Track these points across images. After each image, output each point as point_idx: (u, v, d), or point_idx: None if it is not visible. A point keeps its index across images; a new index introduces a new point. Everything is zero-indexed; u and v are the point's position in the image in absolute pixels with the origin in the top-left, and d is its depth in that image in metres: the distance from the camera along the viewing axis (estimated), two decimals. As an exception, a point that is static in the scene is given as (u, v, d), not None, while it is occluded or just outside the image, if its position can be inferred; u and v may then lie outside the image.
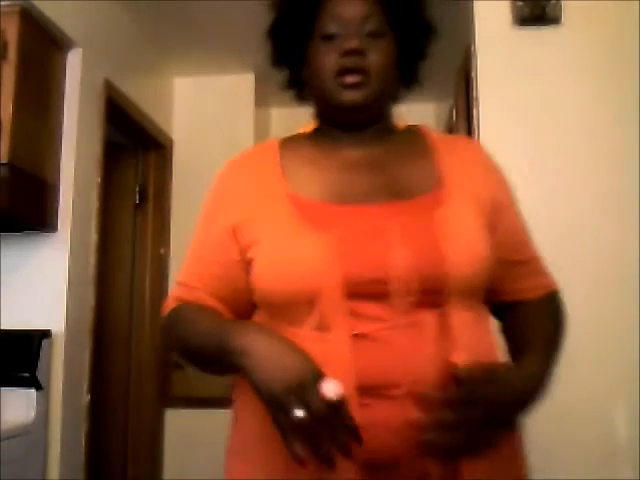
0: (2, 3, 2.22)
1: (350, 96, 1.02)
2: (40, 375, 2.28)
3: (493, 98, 2.22)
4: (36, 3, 2.29)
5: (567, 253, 2.10)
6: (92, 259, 2.68)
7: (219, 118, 3.75)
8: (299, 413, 0.79)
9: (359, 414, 0.84)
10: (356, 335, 0.91)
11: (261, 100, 3.87)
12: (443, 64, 3.38)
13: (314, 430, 0.80)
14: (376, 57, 1.03)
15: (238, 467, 1.00)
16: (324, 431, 0.80)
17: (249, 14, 3.18)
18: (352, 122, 1.08)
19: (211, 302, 1.04)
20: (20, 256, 2.46)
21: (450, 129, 3.08)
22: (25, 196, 2.30)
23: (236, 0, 2.99)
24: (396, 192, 1.01)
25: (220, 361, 0.94)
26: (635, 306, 2.03)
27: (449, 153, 1.08)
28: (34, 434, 2.26)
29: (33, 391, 2.26)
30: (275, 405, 0.83)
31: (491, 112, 2.21)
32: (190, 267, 1.09)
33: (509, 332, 1.09)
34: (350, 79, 1.01)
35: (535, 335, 1.05)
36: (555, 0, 2.18)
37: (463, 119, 2.65)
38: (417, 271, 0.92)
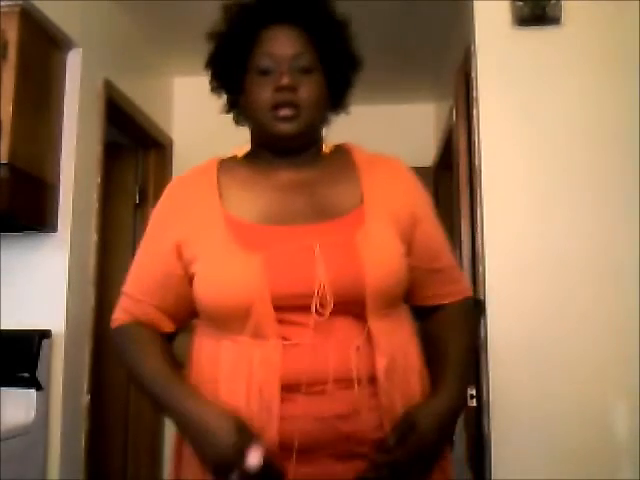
0: (2, 3, 2.22)
1: (284, 128, 1.12)
2: (40, 375, 2.28)
3: (493, 98, 2.22)
4: (36, 3, 2.29)
5: (567, 252, 2.10)
6: (92, 259, 2.68)
7: (219, 118, 3.73)
8: (233, 478, 0.97)
9: (287, 407, 1.02)
10: (288, 343, 1.03)
11: (261, 100, 3.86)
12: (443, 64, 3.40)
13: None
14: (307, 91, 1.12)
15: (184, 470, 1.15)
16: None
17: (249, 14, 3.18)
18: (285, 149, 1.17)
19: (156, 315, 1.16)
20: (20, 256, 2.45)
21: (450, 129, 3.08)
22: (25, 196, 2.30)
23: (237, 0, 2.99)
24: (323, 213, 1.12)
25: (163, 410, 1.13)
26: (635, 306, 2.03)
27: (370, 172, 1.18)
28: (34, 434, 2.26)
29: (33, 391, 2.26)
30: (215, 473, 1.01)
31: (491, 112, 2.21)
32: (136, 279, 1.19)
33: (427, 334, 1.21)
34: (284, 112, 1.11)
35: (449, 347, 1.17)
36: (555, 0, 2.18)
37: (463, 119, 2.65)
38: (337, 285, 1.04)
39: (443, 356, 1.16)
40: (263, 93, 1.13)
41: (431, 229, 1.21)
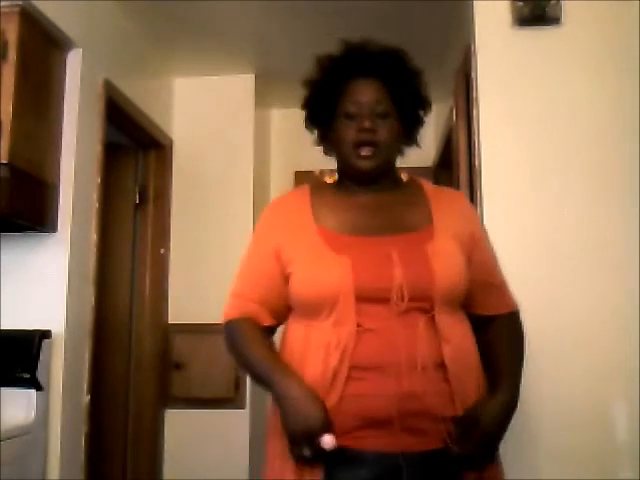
0: (2, 3, 2.22)
1: (364, 164, 1.40)
2: (40, 375, 2.28)
3: (493, 98, 2.22)
4: (36, 3, 2.29)
5: (567, 251, 2.10)
6: (92, 259, 2.68)
7: (219, 118, 3.75)
8: (305, 452, 1.24)
9: (359, 385, 1.25)
10: (363, 329, 1.27)
11: (261, 100, 3.87)
12: (443, 64, 3.40)
13: (312, 459, 1.25)
14: (384, 133, 1.40)
15: (276, 444, 1.33)
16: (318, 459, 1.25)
17: (249, 15, 3.18)
18: (365, 180, 1.44)
19: (259, 311, 1.41)
20: (20, 256, 2.45)
21: (450, 129, 3.08)
22: (25, 196, 2.29)
23: (237, 0, 2.99)
24: (398, 227, 1.38)
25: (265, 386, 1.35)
26: (636, 305, 2.03)
27: (438, 200, 1.46)
28: (34, 434, 2.25)
29: (33, 391, 2.26)
30: (292, 441, 1.26)
31: (491, 112, 2.21)
32: (242, 281, 1.46)
33: (482, 342, 1.41)
34: (364, 152, 1.39)
35: (502, 351, 1.42)
36: (555, 0, 2.18)
37: (463, 119, 2.65)
38: (411, 283, 1.28)
39: (497, 359, 1.39)
40: (349, 133, 1.40)
41: (487, 250, 1.50)
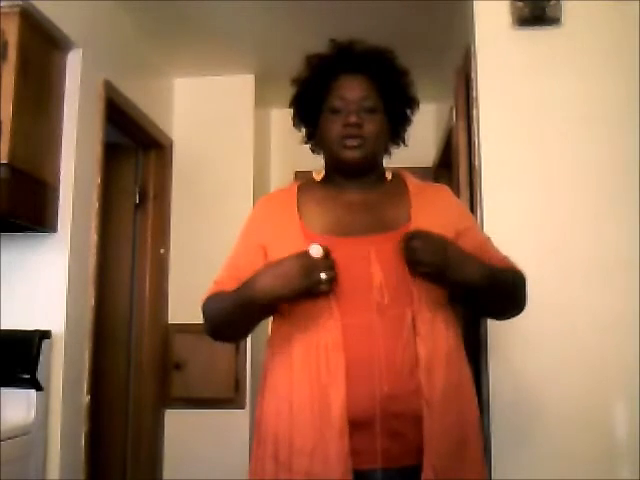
0: (2, 3, 2.22)
1: (350, 154, 1.41)
2: (40, 376, 2.28)
3: (493, 98, 2.22)
4: (36, 3, 2.29)
5: (567, 251, 2.10)
6: (92, 259, 2.68)
7: (219, 118, 3.75)
8: (322, 275, 1.25)
9: (348, 387, 1.25)
10: (345, 325, 1.28)
11: (261, 100, 3.87)
12: (443, 64, 3.40)
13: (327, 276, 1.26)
14: (370, 128, 1.41)
15: (270, 401, 1.35)
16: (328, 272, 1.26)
17: (249, 15, 3.18)
18: (352, 172, 1.46)
19: None
20: (20, 256, 2.45)
21: (450, 129, 3.08)
22: (25, 196, 2.29)
23: (236, 1, 2.99)
24: (378, 227, 1.39)
25: (245, 309, 1.35)
26: (635, 306, 2.03)
27: (419, 197, 1.46)
28: (34, 434, 2.25)
29: (33, 391, 2.26)
30: (307, 287, 1.25)
31: (491, 112, 2.21)
32: (227, 271, 1.48)
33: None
34: (350, 142, 1.40)
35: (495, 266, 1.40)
36: (555, 0, 2.18)
37: (463, 119, 2.65)
38: (390, 281, 1.30)
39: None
40: (334, 128, 1.41)
41: (476, 239, 1.46)
